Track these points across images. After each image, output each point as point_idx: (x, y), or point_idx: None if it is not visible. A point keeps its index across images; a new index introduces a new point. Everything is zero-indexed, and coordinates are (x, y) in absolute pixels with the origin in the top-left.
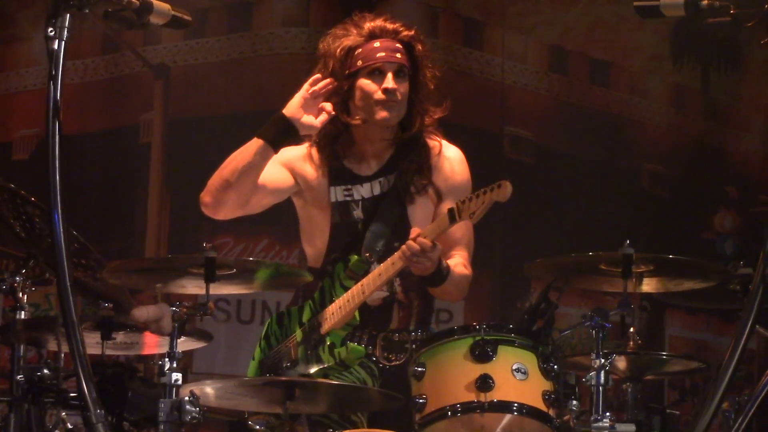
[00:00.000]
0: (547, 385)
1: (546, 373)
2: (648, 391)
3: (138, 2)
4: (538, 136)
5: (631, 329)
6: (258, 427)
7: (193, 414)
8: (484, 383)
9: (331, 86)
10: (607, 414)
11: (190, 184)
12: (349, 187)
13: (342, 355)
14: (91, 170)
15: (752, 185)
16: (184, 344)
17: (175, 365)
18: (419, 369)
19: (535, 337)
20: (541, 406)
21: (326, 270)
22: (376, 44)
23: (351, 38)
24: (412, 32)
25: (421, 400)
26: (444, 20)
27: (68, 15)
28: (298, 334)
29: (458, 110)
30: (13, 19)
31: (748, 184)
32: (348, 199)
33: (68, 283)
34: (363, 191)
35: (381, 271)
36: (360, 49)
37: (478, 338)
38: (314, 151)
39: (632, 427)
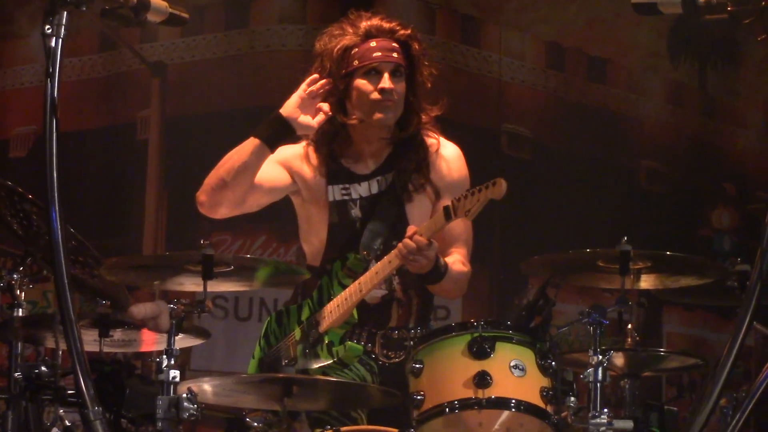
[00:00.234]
0: (544, 382)
1: (544, 369)
2: (646, 387)
3: (135, 0)
4: (535, 133)
5: (629, 326)
6: (256, 424)
7: (191, 411)
8: (482, 380)
9: (328, 86)
10: (605, 410)
11: (187, 181)
12: (347, 186)
13: (340, 354)
14: (88, 167)
15: (750, 182)
16: (181, 341)
17: (172, 362)
18: (417, 366)
19: (532, 334)
20: (539, 403)
21: (325, 268)
22: (373, 44)
23: (347, 38)
24: (409, 31)
25: (418, 397)
26: (441, 17)
27: (65, 12)
28: (297, 333)
29: (455, 107)
30: (11, 16)
31: (746, 181)
32: (346, 198)
33: (66, 281)
34: (361, 190)
35: (378, 270)
36: (356, 49)
37: (475, 335)
38: (311, 150)
39: (630, 423)
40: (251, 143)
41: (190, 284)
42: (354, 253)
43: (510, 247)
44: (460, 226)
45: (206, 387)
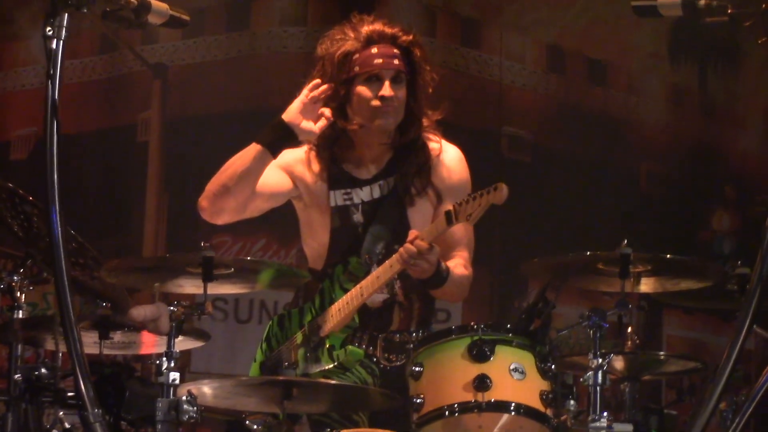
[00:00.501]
0: (544, 385)
1: (543, 372)
2: (645, 391)
3: (136, 2)
4: (535, 136)
5: (629, 329)
6: (255, 426)
7: (191, 413)
8: (482, 383)
9: (329, 91)
10: (605, 414)
11: (187, 183)
12: (349, 190)
13: (341, 358)
14: (88, 169)
15: (750, 184)
16: (181, 344)
17: (172, 365)
18: (417, 369)
19: (532, 337)
20: (539, 406)
21: (326, 272)
22: (374, 50)
23: (349, 43)
24: (411, 37)
25: (418, 400)
26: (442, 20)
27: (66, 14)
28: (299, 337)
29: (456, 110)
30: (11, 17)
31: (746, 184)
32: (348, 203)
33: (66, 283)
34: (363, 195)
35: (379, 274)
36: (357, 55)
37: (475, 338)
38: (313, 155)
39: (630, 427)
40: (253, 149)
41: (191, 286)
42: (356, 257)
43: (510, 249)
44: (461, 229)
45: (206, 389)
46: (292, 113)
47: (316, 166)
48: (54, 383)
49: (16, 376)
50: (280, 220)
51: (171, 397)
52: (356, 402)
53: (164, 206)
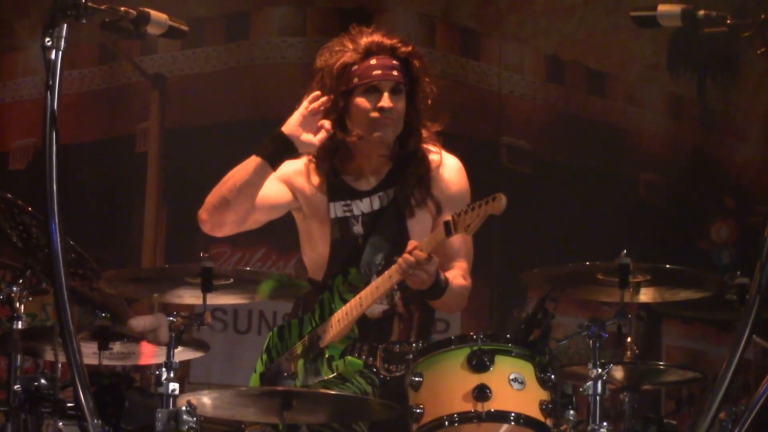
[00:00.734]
0: (544, 395)
1: (543, 382)
2: (645, 400)
3: (135, 12)
4: (535, 146)
5: (628, 339)
6: None
7: (190, 424)
8: (482, 393)
9: (328, 103)
10: (604, 424)
11: (186, 194)
12: (349, 202)
13: (340, 368)
14: (87, 180)
15: (749, 195)
16: (181, 354)
17: (172, 375)
18: (416, 379)
19: (532, 347)
20: (539, 416)
21: (326, 283)
22: (373, 61)
23: (348, 54)
24: (410, 48)
25: (418, 410)
26: (441, 30)
27: (65, 25)
28: (299, 348)
29: (455, 120)
30: (10, 28)
31: (745, 194)
32: (347, 214)
33: (65, 293)
34: (362, 206)
35: (378, 284)
36: (356, 66)
37: (475, 348)
38: (312, 167)
39: None
40: (253, 161)
41: (190, 297)
42: (355, 268)
43: (509, 259)
44: (460, 240)
45: (205, 400)
46: (291, 125)
47: (315, 178)
48: (53, 394)
49: (16, 387)
50: (280, 230)
51: (170, 407)
52: (356, 412)
53: (163, 216)
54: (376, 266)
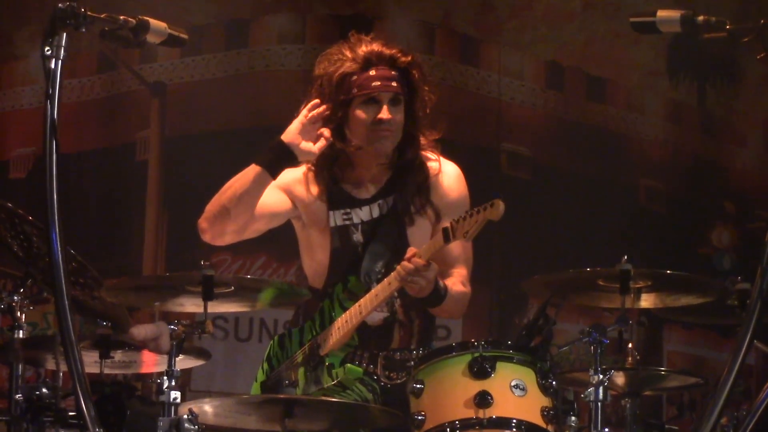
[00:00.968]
0: (545, 402)
1: (544, 389)
2: (646, 406)
3: (134, 21)
4: (535, 153)
5: (629, 345)
6: None
7: None
8: (483, 400)
9: (327, 112)
10: (606, 430)
11: (187, 202)
12: (348, 210)
13: (340, 376)
14: (88, 188)
15: (749, 200)
16: (182, 362)
17: (173, 383)
18: (418, 386)
19: (533, 354)
20: (540, 423)
21: (326, 292)
22: (372, 72)
23: (347, 64)
24: (409, 58)
25: (419, 417)
26: (440, 37)
27: (65, 34)
28: (299, 356)
29: (455, 127)
30: (9, 37)
31: (746, 199)
32: (347, 223)
33: (66, 302)
34: (362, 214)
35: (378, 292)
36: (355, 77)
37: (476, 355)
38: (312, 175)
39: None
40: (252, 170)
41: (191, 305)
42: (355, 276)
43: (510, 266)
44: (459, 246)
45: (207, 408)
46: (291, 134)
47: (315, 187)
48: (55, 403)
49: (17, 396)
50: (280, 238)
51: (172, 415)
52: (357, 420)
53: (164, 225)
54: (375, 274)
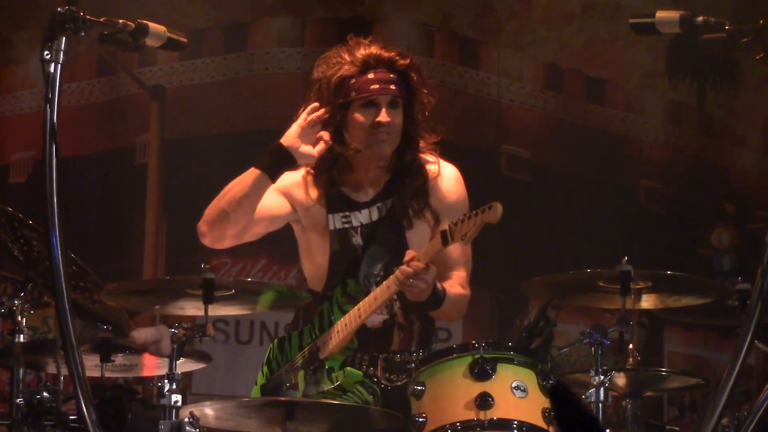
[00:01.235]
0: (546, 403)
1: (545, 390)
2: (647, 407)
3: (133, 25)
4: (534, 154)
5: (630, 346)
6: None
7: None
8: (484, 401)
9: (326, 115)
10: (607, 431)
11: (186, 205)
12: (347, 213)
13: (340, 379)
14: (87, 192)
15: (749, 201)
16: (183, 365)
17: (174, 387)
18: (419, 388)
19: (534, 355)
20: (541, 424)
21: (326, 295)
22: (370, 75)
23: (345, 68)
24: (408, 61)
25: (420, 419)
26: (439, 39)
27: (64, 38)
28: (299, 359)
29: (454, 129)
30: (9, 41)
31: (745, 200)
32: (346, 226)
33: (67, 306)
34: (361, 217)
35: (377, 295)
36: (354, 80)
37: (477, 356)
38: (311, 179)
39: None
40: (252, 173)
41: (191, 308)
42: (354, 279)
43: (510, 268)
44: (458, 249)
45: (208, 411)
46: (290, 137)
47: (314, 190)
48: (56, 407)
49: (18, 400)
50: (280, 241)
51: (173, 419)
52: (358, 422)
53: (164, 228)
54: (374, 277)
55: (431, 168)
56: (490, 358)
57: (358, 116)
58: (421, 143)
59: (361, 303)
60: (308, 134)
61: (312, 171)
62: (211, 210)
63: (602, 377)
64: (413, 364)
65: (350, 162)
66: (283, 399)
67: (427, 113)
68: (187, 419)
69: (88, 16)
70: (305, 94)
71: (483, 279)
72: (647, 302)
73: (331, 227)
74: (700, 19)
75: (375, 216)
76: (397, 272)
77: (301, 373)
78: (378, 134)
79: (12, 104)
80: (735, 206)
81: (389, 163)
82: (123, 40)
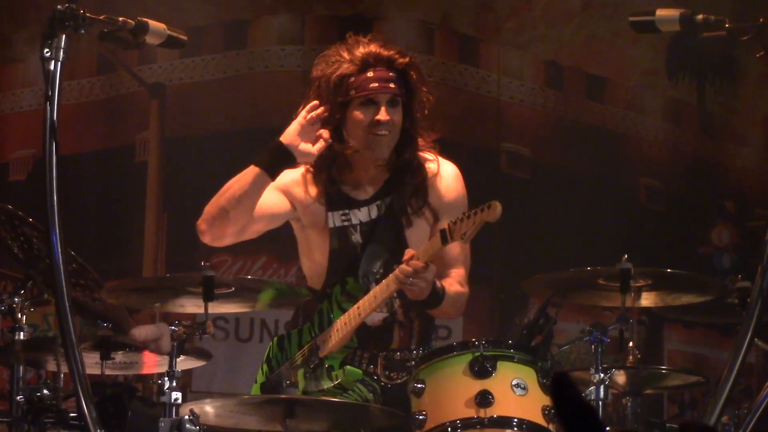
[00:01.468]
0: (546, 401)
1: (545, 388)
2: (647, 405)
3: (133, 22)
4: (534, 152)
5: (630, 344)
6: None
7: None
8: (484, 399)
9: (325, 113)
10: (607, 429)
11: (186, 203)
12: (347, 211)
13: (339, 378)
14: (87, 190)
15: (749, 199)
16: (183, 363)
17: (174, 384)
18: (419, 385)
19: (534, 353)
20: (541, 422)
21: (325, 293)
22: (370, 74)
23: (344, 66)
24: (407, 59)
25: (420, 417)
26: (439, 37)
27: (64, 36)
28: (298, 358)
29: (454, 127)
30: (9, 39)
31: (745, 198)
32: (346, 224)
33: (67, 304)
34: (360, 215)
35: (376, 293)
36: (353, 79)
37: (477, 354)
38: (310, 177)
39: None
40: (251, 171)
41: (191, 306)
42: (353, 277)
43: (510, 266)
44: (457, 247)
45: (208, 408)
46: (290, 135)
47: (313, 188)
48: (56, 404)
49: (18, 398)
50: (280, 238)
51: (173, 416)
52: (358, 420)
53: (163, 225)
54: (374, 275)
55: (430, 166)
56: (490, 355)
57: (358, 114)
58: (421, 141)
59: (360, 301)
60: (308, 132)
61: (311, 169)
62: (211, 208)
63: (602, 375)
64: (413, 362)
65: (349, 160)
66: (283, 396)
67: (426, 112)
68: (187, 417)
69: (88, 14)
70: (305, 92)
71: (483, 277)
72: (647, 300)
73: (331, 225)
74: (700, 17)
75: (374, 214)
76: (397, 271)
77: (300, 372)
78: (377, 133)
79: (12, 102)
80: (735, 204)
81: (388, 161)
82: (123, 37)
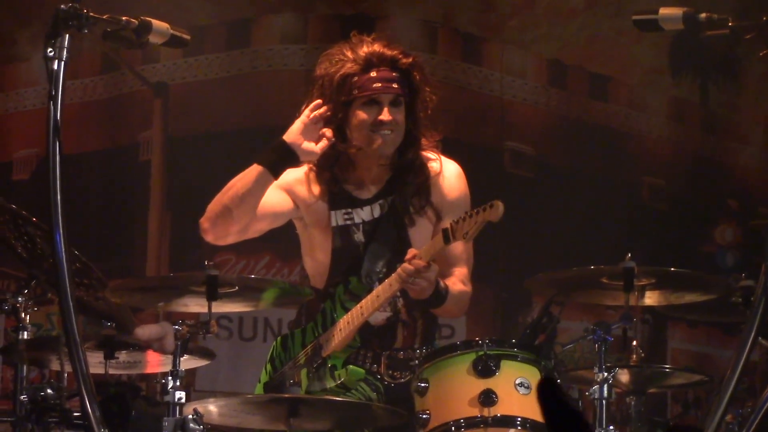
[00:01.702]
0: None
1: None
2: (651, 404)
3: (137, 22)
4: (537, 151)
5: (634, 342)
6: None
7: None
8: (488, 398)
9: (328, 112)
10: (611, 427)
11: (190, 202)
12: (349, 210)
13: (342, 377)
14: (91, 189)
15: (752, 197)
16: (186, 362)
17: (178, 383)
18: (422, 384)
19: (537, 352)
20: None
21: (328, 292)
22: (373, 74)
23: (347, 65)
24: (410, 59)
25: (424, 416)
26: (442, 36)
27: (67, 35)
28: (301, 357)
29: (458, 126)
30: (12, 39)
31: (749, 197)
32: (348, 222)
33: (70, 303)
34: (363, 214)
35: (379, 293)
36: (356, 78)
37: (480, 353)
38: (313, 175)
39: None
40: (254, 170)
41: (195, 305)
42: (356, 277)
43: (514, 264)
44: (460, 246)
45: (212, 408)
46: (293, 134)
47: (316, 187)
48: (60, 404)
49: (22, 397)
50: (284, 237)
51: (177, 416)
52: (362, 419)
53: (167, 225)
54: (376, 274)
55: (433, 165)
56: (494, 354)
57: (360, 114)
58: (424, 141)
59: (363, 301)
60: (311, 131)
61: (314, 168)
62: (214, 206)
63: (606, 374)
64: (417, 361)
65: (352, 159)
66: (287, 396)
67: (429, 111)
68: (190, 416)
69: (91, 14)
70: (308, 91)
71: (486, 276)
72: (650, 299)
73: (333, 224)
74: (703, 15)
75: (377, 213)
76: (399, 270)
77: (303, 372)
78: (380, 132)
79: (15, 101)
80: (738, 203)
81: (391, 160)
82: (126, 37)
